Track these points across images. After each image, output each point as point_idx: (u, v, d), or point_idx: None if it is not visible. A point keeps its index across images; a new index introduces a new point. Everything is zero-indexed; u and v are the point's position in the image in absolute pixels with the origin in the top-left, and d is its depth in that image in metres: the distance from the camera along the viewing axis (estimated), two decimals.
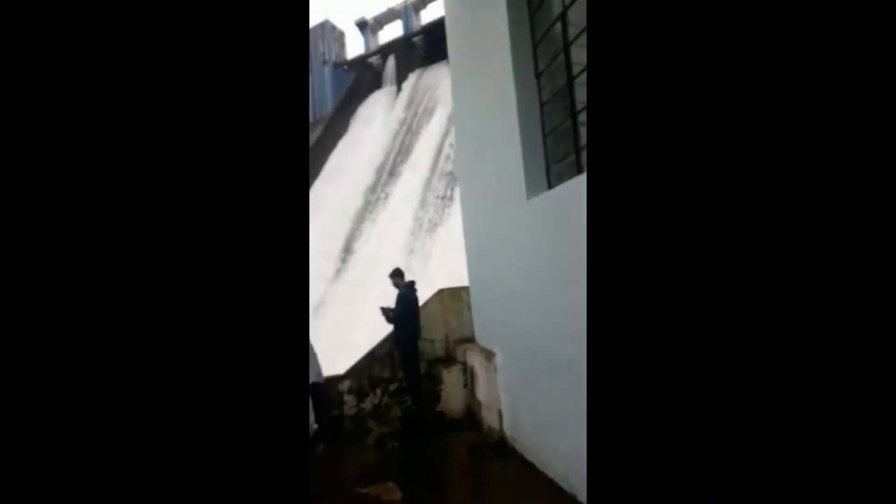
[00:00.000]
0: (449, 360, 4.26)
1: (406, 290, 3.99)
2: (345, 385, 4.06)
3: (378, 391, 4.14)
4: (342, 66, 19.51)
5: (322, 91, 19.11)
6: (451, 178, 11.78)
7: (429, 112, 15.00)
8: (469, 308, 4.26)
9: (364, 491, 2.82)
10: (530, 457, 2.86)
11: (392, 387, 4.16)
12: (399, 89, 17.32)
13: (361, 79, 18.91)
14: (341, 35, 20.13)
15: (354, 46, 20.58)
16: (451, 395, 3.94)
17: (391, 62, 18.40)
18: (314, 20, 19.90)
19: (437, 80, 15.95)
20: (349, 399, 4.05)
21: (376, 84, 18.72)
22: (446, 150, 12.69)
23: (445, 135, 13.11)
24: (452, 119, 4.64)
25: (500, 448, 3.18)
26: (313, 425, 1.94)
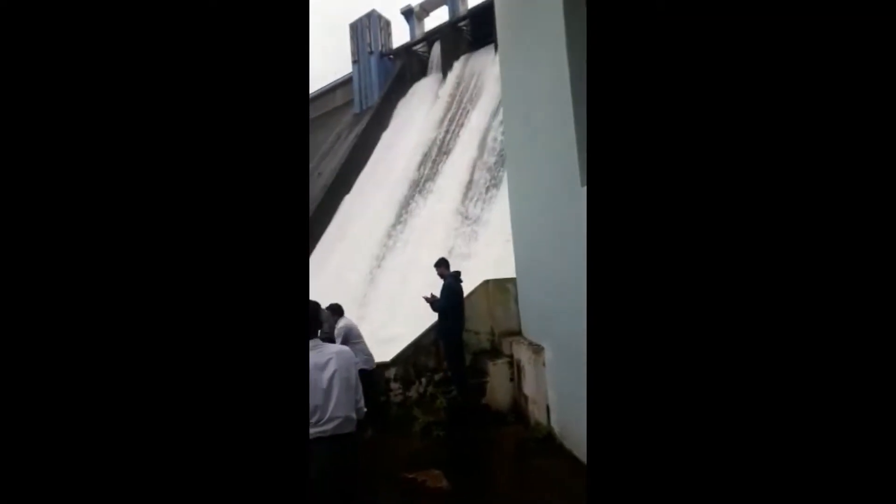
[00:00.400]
0: (494, 352, 4.20)
1: (451, 281, 3.97)
2: (391, 372, 4.14)
3: (423, 380, 4.18)
4: (388, 55, 19.64)
5: (368, 81, 19.37)
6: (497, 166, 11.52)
7: (476, 95, 14.71)
8: (516, 300, 4.16)
9: (411, 476, 2.86)
10: (580, 455, 2.76)
11: (437, 377, 4.19)
12: (445, 76, 17.17)
13: (407, 67, 18.95)
14: (387, 24, 20.21)
15: (401, 35, 20.60)
16: (497, 388, 3.89)
17: (436, 49, 18.21)
18: (361, 10, 20.15)
19: (484, 65, 15.61)
20: (395, 386, 4.13)
21: (422, 72, 18.69)
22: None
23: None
24: (502, 103, 4.48)
25: (548, 444, 3.11)
26: (363, 409, 1.97)
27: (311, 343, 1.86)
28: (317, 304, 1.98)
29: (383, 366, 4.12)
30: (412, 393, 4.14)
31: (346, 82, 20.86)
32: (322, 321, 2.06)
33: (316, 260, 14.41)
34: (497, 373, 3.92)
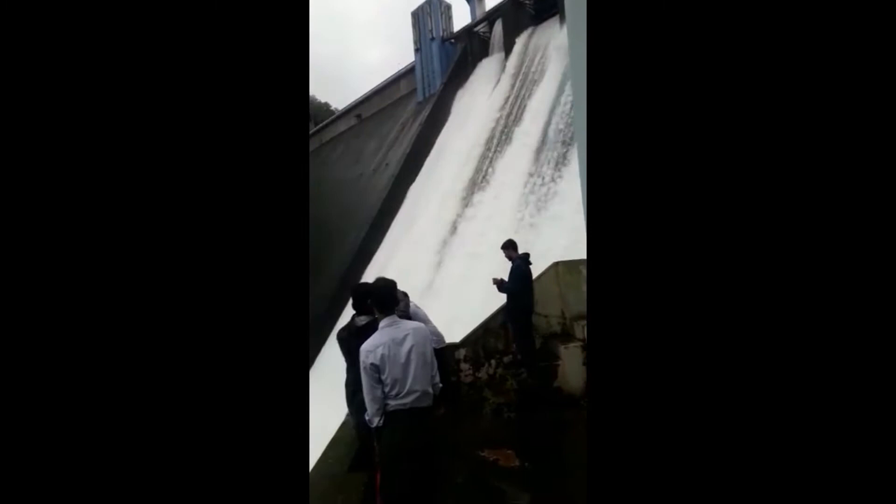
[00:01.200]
0: (565, 336, 4.09)
1: (520, 263, 3.91)
2: (460, 353, 4.22)
3: (493, 362, 4.21)
4: (449, 40, 19.50)
5: (430, 68, 19.45)
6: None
7: (540, 70, 14.09)
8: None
9: (483, 454, 2.92)
10: None
11: (506, 359, 4.19)
12: (507, 55, 16.66)
13: (468, 50, 18.68)
14: (448, 8, 20.03)
15: (463, 17, 20.30)
16: (569, 372, 3.80)
17: (498, 27, 17.67)
18: None
19: (549, 39, 14.84)
20: (465, 367, 4.21)
21: (484, 53, 18.32)
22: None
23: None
24: (569, 77, 4.24)
25: None
26: (439, 385, 2.04)
27: (389, 319, 1.96)
28: (393, 283, 2.07)
29: (452, 347, 4.21)
30: (482, 374, 4.19)
31: (409, 72, 21.16)
32: (398, 299, 2.15)
33: (386, 248, 15.02)
34: (569, 356, 3.81)
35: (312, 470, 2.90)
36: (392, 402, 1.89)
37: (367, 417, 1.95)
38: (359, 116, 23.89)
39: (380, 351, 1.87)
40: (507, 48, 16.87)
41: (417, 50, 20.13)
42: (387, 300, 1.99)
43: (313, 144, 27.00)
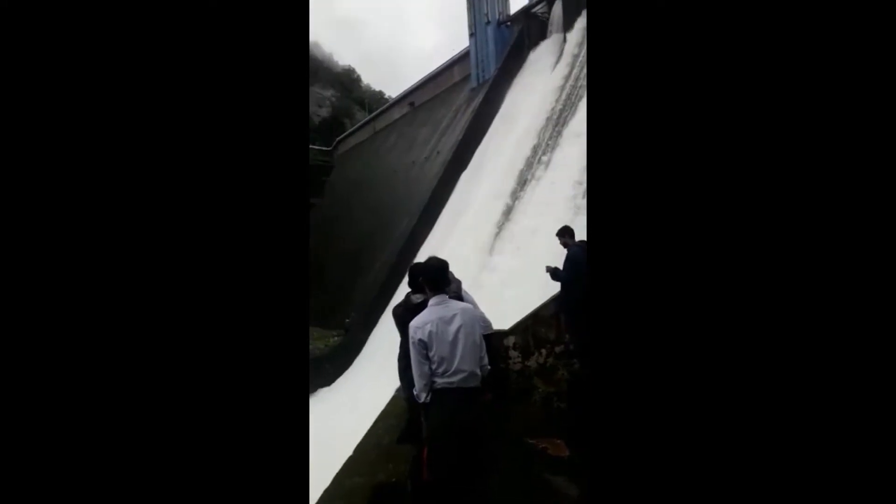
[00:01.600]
0: None
1: (577, 250, 3.74)
2: (509, 341, 4.16)
3: (543, 351, 4.10)
4: (505, 23, 18.92)
5: (485, 53, 19.04)
6: None
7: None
8: None
9: (532, 441, 2.87)
10: None
11: (558, 349, 4.06)
12: (566, 37, 15.85)
13: (525, 33, 18.02)
14: None
15: (519, 0, 19.61)
16: None
17: (557, 7, 16.84)
18: None
19: None
20: (514, 355, 4.14)
21: (541, 35, 17.58)
22: None
23: None
24: None
25: None
26: (487, 367, 2.02)
27: (439, 298, 1.96)
28: (445, 262, 2.06)
29: (501, 334, 4.15)
30: (531, 363, 4.10)
31: (463, 58, 20.93)
32: (450, 280, 2.14)
33: (438, 234, 15.15)
34: None
35: (363, 439, 3.02)
36: (439, 380, 1.90)
37: (415, 392, 1.98)
38: (412, 104, 24.10)
39: (427, 328, 1.87)
40: (566, 29, 16.01)
41: (472, 35, 19.79)
42: (437, 279, 1.99)
43: (367, 133, 27.72)
